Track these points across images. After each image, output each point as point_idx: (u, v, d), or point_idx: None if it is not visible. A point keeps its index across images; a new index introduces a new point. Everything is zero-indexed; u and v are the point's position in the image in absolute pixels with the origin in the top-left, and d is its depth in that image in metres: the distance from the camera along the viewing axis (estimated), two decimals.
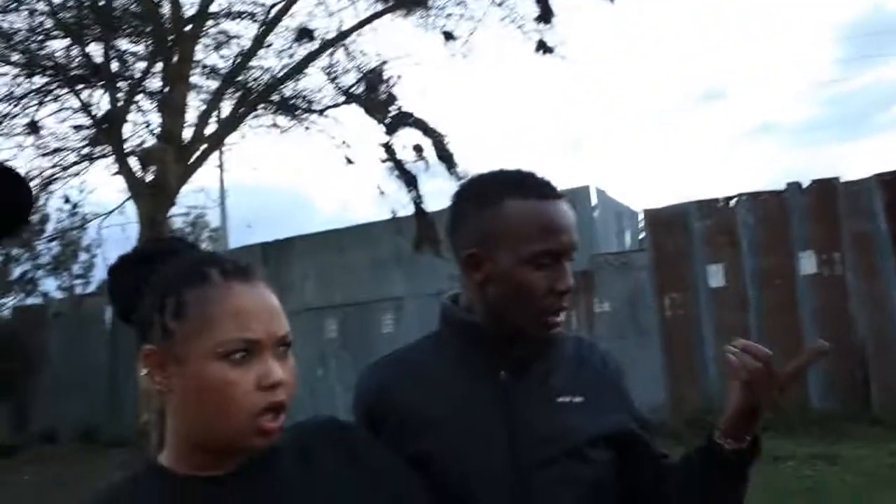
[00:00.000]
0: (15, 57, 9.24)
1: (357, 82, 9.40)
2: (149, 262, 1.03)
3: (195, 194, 12.90)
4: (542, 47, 9.18)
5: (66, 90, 9.55)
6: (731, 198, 9.38)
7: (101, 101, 9.68)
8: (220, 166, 12.11)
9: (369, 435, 1.14)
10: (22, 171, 0.80)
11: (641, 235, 10.69)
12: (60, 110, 10.07)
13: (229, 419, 0.94)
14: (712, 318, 9.18)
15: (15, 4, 8.96)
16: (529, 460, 1.22)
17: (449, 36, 9.45)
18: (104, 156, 9.77)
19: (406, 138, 9.37)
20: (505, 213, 1.25)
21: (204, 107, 9.90)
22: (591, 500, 1.25)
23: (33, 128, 9.73)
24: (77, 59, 9.48)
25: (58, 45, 9.62)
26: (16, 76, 9.74)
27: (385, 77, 9.08)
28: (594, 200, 10.21)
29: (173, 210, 9.73)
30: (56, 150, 10.01)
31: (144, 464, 1.05)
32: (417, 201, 9.22)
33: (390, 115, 8.91)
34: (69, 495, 8.80)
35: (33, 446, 12.09)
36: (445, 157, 8.88)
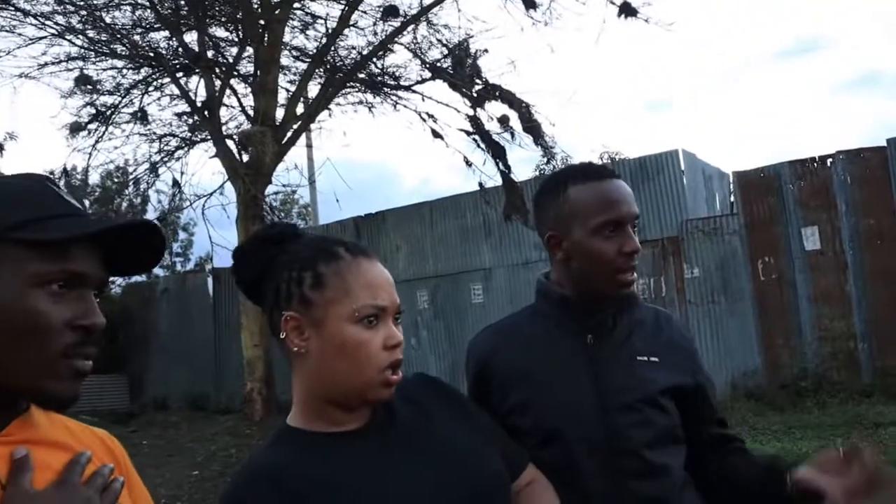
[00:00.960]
0: (120, 50, 9.79)
1: (443, 57, 9.53)
2: (272, 245, 1.20)
3: (287, 173, 13.32)
4: (626, 10, 9.06)
5: (167, 79, 10.05)
6: (827, 156, 9.09)
7: (198, 88, 10.17)
8: (310, 145, 12.46)
9: (452, 385, 1.34)
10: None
11: (732, 199, 10.48)
12: (161, 98, 10.65)
13: (362, 373, 1.12)
14: (808, 283, 8.98)
15: (118, 0, 9.49)
16: (612, 405, 1.46)
17: (530, 4, 9.43)
18: (204, 140, 10.25)
19: (492, 110, 9.47)
20: (571, 197, 1.51)
21: (294, 88, 10.26)
22: (664, 441, 1.47)
23: (142, 116, 10.30)
24: (176, 49, 9.96)
25: (158, 37, 10.14)
26: (121, 69, 10.35)
27: (470, 51, 9.16)
28: (682, 165, 10.06)
29: (269, 188, 10.17)
30: (161, 137, 10.57)
31: (276, 430, 1.21)
32: (505, 172, 9.32)
33: (476, 88, 9.00)
34: (183, 457, 9.45)
35: (147, 413, 12.90)
36: (532, 128, 8.93)
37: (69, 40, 9.80)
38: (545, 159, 9.61)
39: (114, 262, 0.96)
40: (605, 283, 1.49)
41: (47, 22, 9.48)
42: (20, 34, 9.75)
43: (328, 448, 1.14)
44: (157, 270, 19.35)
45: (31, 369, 0.88)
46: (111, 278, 0.99)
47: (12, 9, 9.40)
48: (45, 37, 9.73)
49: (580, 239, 1.48)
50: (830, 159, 9.04)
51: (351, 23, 9.76)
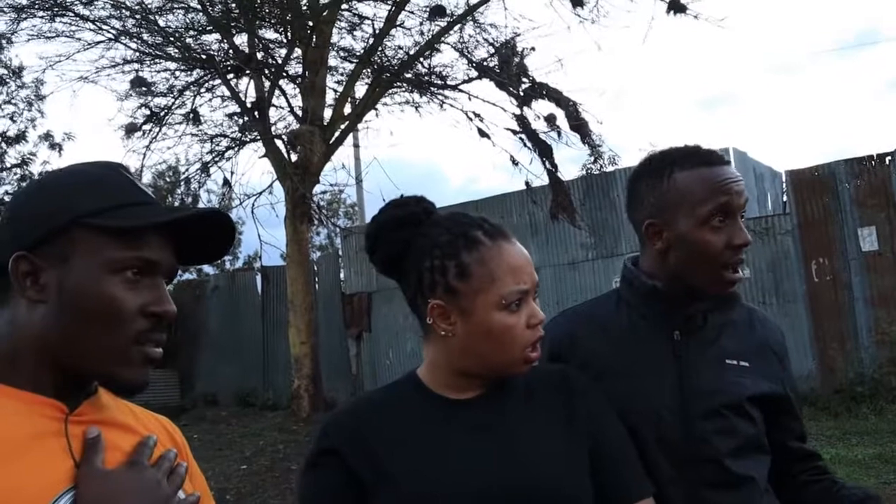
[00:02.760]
0: (173, 52, 10.01)
1: (489, 56, 9.51)
2: (405, 227, 1.22)
3: (335, 172, 13.47)
4: (675, 7, 8.92)
5: (218, 81, 10.24)
6: (885, 155, 8.82)
7: (248, 89, 10.34)
8: (357, 144, 12.57)
9: (589, 381, 1.30)
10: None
11: (784, 198, 10.25)
12: (212, 99, 10.85)
13: (507, 354, 1.16)
14: (864, 285, 8.73)
15: (170, 4, 9.71)
16: (696, 409, 1.36)
17: (577, 2, 9.36)
18: (254, 140, 10.42)
19: (538, 108, 9.42)
20: (676, 183, 1.38)
21: (341, 88, 10.35)
22: (748, 450, 1.37)
23: (194, 117, 10.52)
24: (227, 51, 10.15)
25: (209, 39, 10.35)
26: (174, 71, 10.58)
27: (517, 49, 9.13)
28: (733, 163, 9.83)
29: (316, 188, 10.28)
30: (212, 137, 10.78)
31: (406, 375, 1.27)
32: (552, 171, 9.26)
33: (523, 87, 8.96)
34: (232, 452, 9.62)
35: (197, 408, 13.16)
36: (579, 126, 8.86)
37: (124, 44, 10.06)
38: (592, 158, 9.52)
39: (184, 252, 0.98)
40: (708, 279, 1.37)
41: (104, 27, 9.75)
42: (79, 39, 10.06)
43: (430, 408, 1.19)
44: (208, 268, 19.72)
45: (104, 354, 0.90)
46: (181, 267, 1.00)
47: (71, 14, 9.69)
48: (102, 41, 10.01)
49: (686, 229, 1.36)
50: (889, 157, 8.77)
51: (398, 23, 9.81)
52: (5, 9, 9.79)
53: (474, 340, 1.16)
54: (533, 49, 9.26)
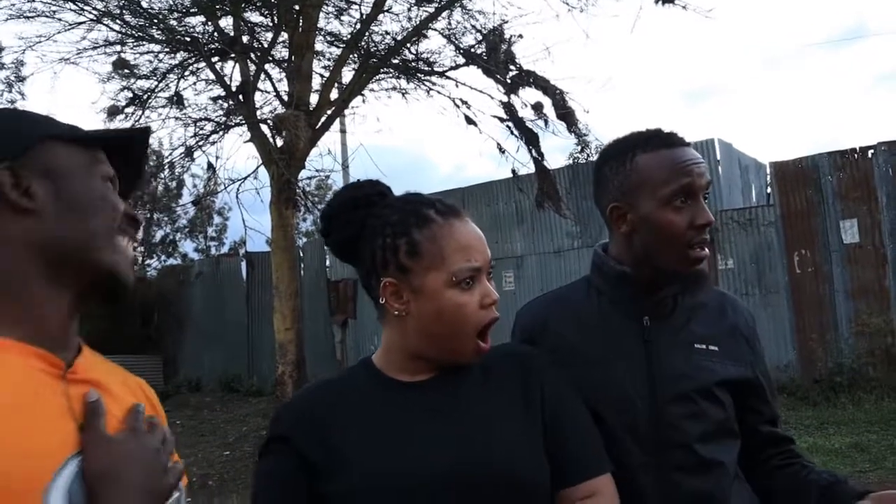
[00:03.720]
0: (157, 34, 9.88)
1: (477, 43, 9.47)
2: (359, 208, 1.22)
3: (321, 158, 13.40)
4: None
5: (202, 64, 10.13)
6: (868, 148, 8.89)
7: (233, 73, 10.24)
8: (343, 130, 12.51)
9: (546, 360, 1.30)
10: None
11: (769, 190, 10.32)
12: (196, 83, 10.75)
13: (459, 336, 1.15)
14: (845, 277, 8.82)
15: None
16: (664, 395, 1.36)
17: None
18: (239, 124, 10.34)
19: (526, 96, 9.40)
20: (638, 166, 1.39)
21: (328, 73, 10.28)
22: (717, 435, 1.38)
23: (178, 100, 10.41)
24: (212, 34, 10.04)
25: (194, 22, 10.22)
26: (158, 53, 10.45)
27: (505, 36, 9.09)
28: (718, 154, 9.91)
29: (302, 174, 10.22)
30: (196, 121, 10.68)
31: (360, 361, 1.28)
32: (538, 159, 9.26)
33: (510, 75, 8.94)
34: (216, 438, 9.61)
35: (181, 394, 13.13)
36: (566, 115, 8.85)
37: (107, 25, 9.91)
38: (579, 147, 9.53)
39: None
40: (674, 259, 1.37)
41: (86, 7, 9.60)
42: (60, 19, 9.90)
43: (382, 390, 1.18)
44: (192, 254, 19.61)
45: (104, 244, 0.94)
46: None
47: None
48: (83, 22, 9.85)
49: (648, 210, 1.37)
50: (872, 151, 8.85)
51: (385, 8, 9.74)
52: None
53: (427, 320, 1.15)
54: (521, 36, 9.22)
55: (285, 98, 9.87)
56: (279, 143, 9.51)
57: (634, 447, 1.34)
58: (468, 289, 1.15)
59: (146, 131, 1.09)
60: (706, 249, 1.39)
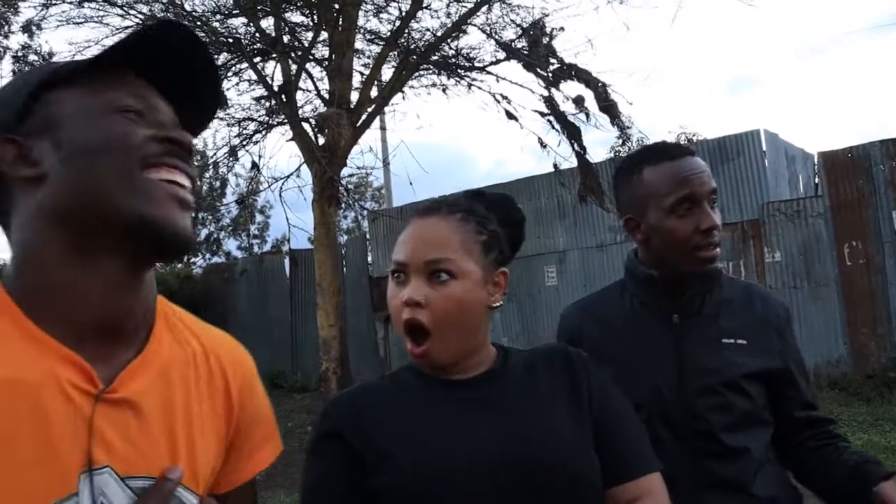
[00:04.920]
0: (200, 36, 10.03)
1: (517, 37, 9.43)
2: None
3: (362, 155, 13.49)
4: None
5: (245, 64, 10.27)
6: None
7: (275, 73, 10.36)
8: (384, 127, 12.56)
9: (588, 359, 1.30)
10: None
11: (816, 180, 10.07)
12: (239, 83, 10.90)
13: (396, 326, 1.21)
14: None
15: None
16: (693, 388, 1.47)
17: None
18: (281, 123, 10.45)
19: (567, 90, 9.34)
20: (644, 179, 1.51)
21: (368, 71, 10.33)
22: (744, 424, 1.46)
23: (223, 101, 10.56)
24: (253, 35, 10.17)
25: (236, 23, 10.37)
26: None
27: (545, 30, 9.02)
28: (764, 145, 9.70)
29: (343, 171, 10.30)
30: (240, 121, 10.83)
31: (403, 366, 1.30)
32: (580, 153, 9.18)
33: (552, 68, 8.87)
34: None
35: None
36: (608, 108, 8.75)
37: None
38: (620, 140, 9.42)
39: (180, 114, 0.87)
40: (685, 261, 1.48)
41: (131, 11, 9.81)
42: (107, 24, 10.14)
43: (426, 389, 1.20)
44: (236, 252, 19.88)
45: (118, 187, 0.77)
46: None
47: (100, 0, 9.77)
48: (129, 26, 10.06)
49: (656, 220, 1.49)
50: None
51: (424, 5, 9.75)
52: None
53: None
54: (562, 29, 9.14)
55: (326, 96, 9.95)
56: (321, 141, 9.60)
57: (668, 437, 1.44)
58: (398, 284, 1.21)
59: (173, 24, 0.85)
60: (716, 249, 1.48)
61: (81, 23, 10.13)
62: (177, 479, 0.79)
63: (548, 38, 8.87)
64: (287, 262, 14.12)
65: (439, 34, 9.94)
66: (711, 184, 1.49)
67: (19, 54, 18.59)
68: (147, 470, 0.78)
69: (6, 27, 17.35)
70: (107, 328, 0.78)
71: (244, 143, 10.97)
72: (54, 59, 15.00)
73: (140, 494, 0.76)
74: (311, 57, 10.23)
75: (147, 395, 0.81)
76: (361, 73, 10.57)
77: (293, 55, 10.11)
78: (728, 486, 1.43)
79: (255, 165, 11.04)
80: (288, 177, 10.32)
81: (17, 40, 18.58)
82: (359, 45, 10.49)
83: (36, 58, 18.12)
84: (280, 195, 10.14)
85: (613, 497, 1.15)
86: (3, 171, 0.78)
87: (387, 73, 10.48)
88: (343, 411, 1.20)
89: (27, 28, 16.23)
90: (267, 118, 10.85)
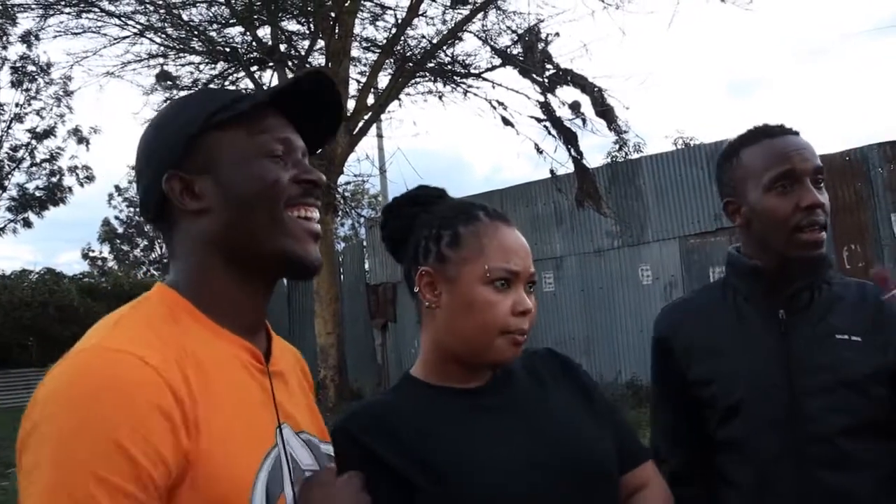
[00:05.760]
0: (197, 46, 10.07)
1: (513, 43, 9.44)
2: (416, 206, 1.24)
3: (359, 163, 13.48)
4: None
5: (242, 73, 10.29)
6: None
7: (271, 81, 10.36)
8: (380, 135, 12.57)
9: (583, 370, 1.30)
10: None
11: None
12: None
13: (486, 333, 1.13)
14: None
15: None
16: (803, 387, 1.33)
17: None
18: None
19: (563, 95, 9.33)
20: (742, 160, 1.43)
21: (364, 79, 10.35)
22: (865, 430, 1.31)
23: None
24: (250, 44, 10.19)
25: (233, 32, 10.40)
26: (198, 64, 10.65)
27: (541, 36, 9.04)
28: None
29: (340, 179, 10.30)
30: None
31: (401, 378, 1.26)
32: (577, 158, 9.18)
33: (547, 74, 8.88)
34: None
35: None
36: (604, 113, 8.76)
37: (150, 38, 10.14)
38: (617, 146, 9.43)
39: (304, 135, 1.02)
40: (785, 244, 1.36)
41: (129, 21, 9.83)
42: (105, 34, 10.16)
43: (441, 400, 1.17)
44: None
45: (269, 227, 0.94)
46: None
47: (97, 10, 9.78)
48: (127, 36, 10.10)
49: (755, 200, 1.39)
50: None
51: (420, 12, 9.77)
52: (33, 5, 9.91)
53: (457, 314, 1.15)
54: (557, 35, 9.17)
55: None
56: (318, 148, 9.59)
57: (773, 439, 1.33)
58: (502, 290, 1.14)
59: (320, 73, 1.03)
60: (822, 233, 1.38)
61: (79, 33, 10.15)
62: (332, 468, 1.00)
63: (543, 44, 8.90)
64: None
65: (435, 41, 9.96)
66: (815, 161, 1.38)
67: (17, 65, 18.67)
68: (305, 426, 1.01)
69: (5, 38, 17.37)
70: (256, 324, 0.99)
71: None
72: (51, 68, 14.93)
73: (306, 444, 0.99)
74: (307, 65, 10.25)
75: (288, 369, 1.05)
76: (358, 81, 10.59)
77: (290, 63, 10.12)
78: (842, 499, 1.29)
79: None
80: None
81: (15, 51, 18.68)
82: (355, 52, 10.53)
83: (34, 68, 18.12)
84: None
85: (623, 485, 1.20)
86: (172, 201, 0.95)
87: (383, 80, 10.52)
88: (363, 426, 1.14)
89: (25, 39, 16.27)
90: None
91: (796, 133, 1.43)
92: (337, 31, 9.72)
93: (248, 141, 0.95)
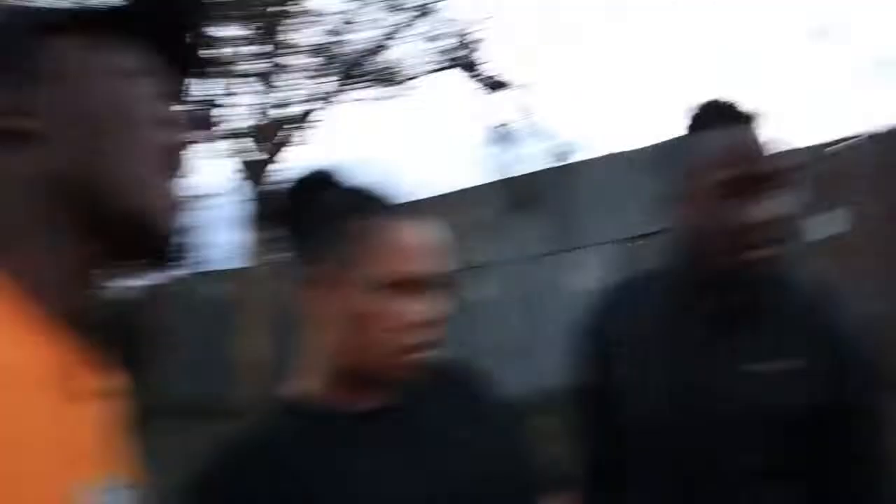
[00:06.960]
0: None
1: (452, 48, 9.45)
2: (305, 193, 1.02)
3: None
4: None
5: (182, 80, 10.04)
6: (846, 139, 8.88)
7: (212, 88, 10.14)
8: (319, 142, 12.45)
9: (492, 386, 1.14)
10: None
11: None
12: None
13: (380, 346, 0.95)
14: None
15: None
16: (722, 418, 1.15)
17: None
18: (220, 138, 10.27)
19: (504, 99, 9.38)
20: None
21: (301, 85, 10.21)
22: (777, 471, 1.14)
23: None
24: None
25: None
26: None
27: (480, 39, 9.08)
28: None
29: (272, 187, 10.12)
30: None
31: (274, 400, 1.05)
32: (516, 161, 9.24)
33: (486, 78, 8.91)
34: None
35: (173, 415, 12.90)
36: (542, 116, 8.84)
37: None
38: (555, 151, 9.52)
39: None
40: (723, 260, 1.15)
41: None
42: None
43: (324, 429, 0.98)
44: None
45: (120, 169, 0.68)
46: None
47: None
48: None
49: (700, 203, 1.16)
50: (846, 144, 8.85)
51: (356, 18, 9.70)
52: None
53: (346, 323, 0.96)
54: (495, 38, 9.21)
55: (261, 110, 9.81)
56: (255, 157, 9.44)
57: (669, 475, 1.19)
58: (399, 297, 0.95)
59: None
60: (765, 249, 1.13)
61: None
62: None
63: (481, 48, 8.91)
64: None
65: (372, 46, 9.90)
66: (768, 165, 1.15)
67: None
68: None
69: None
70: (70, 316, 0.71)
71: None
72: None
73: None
74: (244, 72, 10.07)
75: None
76: (293, 88, 10.45)
77: (227, 69, 9.94)
78: None
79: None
80: (221, 194, 10.10)
81: None
82: (292, 59, 10.38)
83: None
84: (213, 213, 9.91)
85: None
86: None
87: (320, 86, 10.40)
88: (239, 467, 0.96)
89: None
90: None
91: (745, 122, 1.20)
92: (274, 37, 9.59)
93: (99, 53, 0.69)
